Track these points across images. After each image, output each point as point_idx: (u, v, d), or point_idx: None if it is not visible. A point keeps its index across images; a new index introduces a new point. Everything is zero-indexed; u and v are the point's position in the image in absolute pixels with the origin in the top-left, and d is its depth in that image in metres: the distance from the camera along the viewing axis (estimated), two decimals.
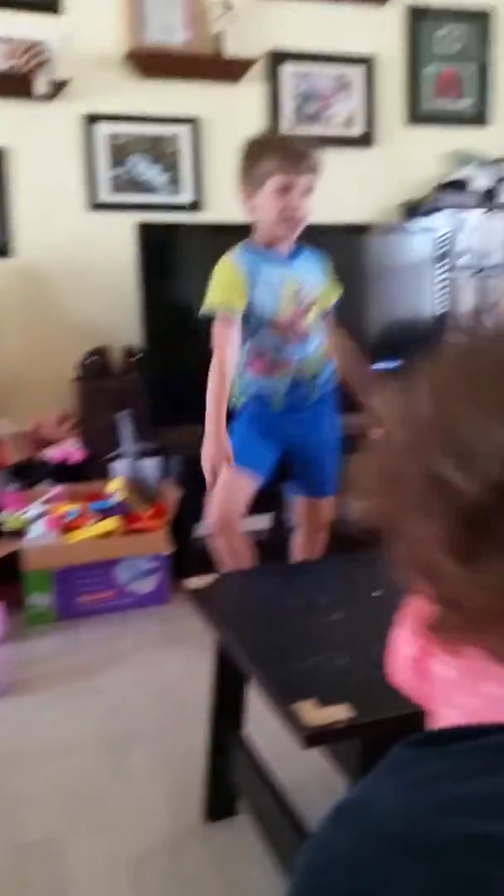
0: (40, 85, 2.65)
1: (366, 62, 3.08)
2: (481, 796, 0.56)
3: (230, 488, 1.96)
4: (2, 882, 1.29)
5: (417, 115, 3.19)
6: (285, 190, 1.83)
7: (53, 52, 2.67)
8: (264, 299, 1.89)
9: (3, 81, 2.64)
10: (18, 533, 2.41)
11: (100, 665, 2.08)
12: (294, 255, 1.97)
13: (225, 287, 1.88)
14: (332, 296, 2.07)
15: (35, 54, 2.64)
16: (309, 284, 1.97)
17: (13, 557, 2.34)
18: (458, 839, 0.52)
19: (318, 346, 2.00)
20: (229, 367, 1.86)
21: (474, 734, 0.66)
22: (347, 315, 2.89)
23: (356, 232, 2.87)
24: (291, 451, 2.05)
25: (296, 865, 0.58)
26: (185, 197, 2.93)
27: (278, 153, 1.82)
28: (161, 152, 2.90)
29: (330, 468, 2.06)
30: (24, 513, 2.44)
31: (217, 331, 1.86)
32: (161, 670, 2.05)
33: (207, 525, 2.03)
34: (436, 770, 0.61)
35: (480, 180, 3.04)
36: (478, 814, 0.55)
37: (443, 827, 0.53)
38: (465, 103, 3.24)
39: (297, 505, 2.17)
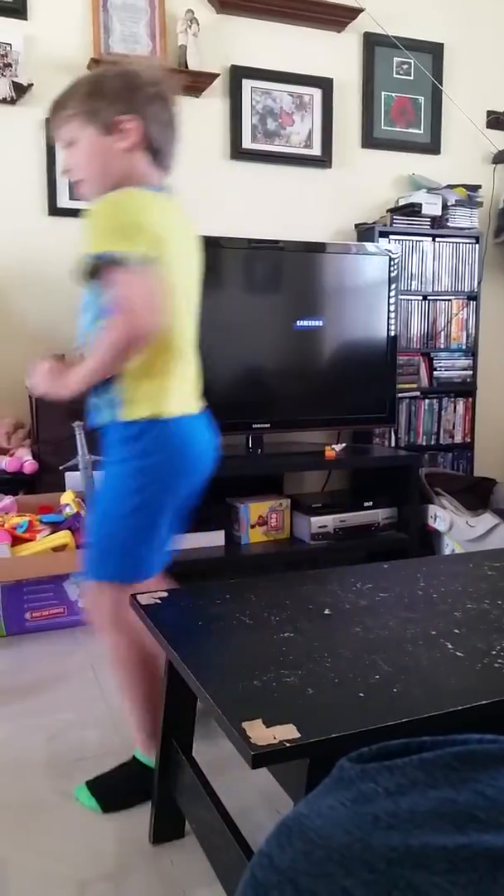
0: (3, 88, 2.62)
1: (323, 84, 3.13)
2: (420, 810, 0.56)
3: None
4: None
5: (372, 140, 3.25)
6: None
7: (18, 56, 2.65)
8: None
9: None
10: None
11: (48, 683, 2.03)
12: None
13: None
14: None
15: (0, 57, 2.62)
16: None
17: None
18: (398, 851, 0.51)
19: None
20: None
21: (415, 748, 0.66)
22: (304, 330, 2.93)
23: (312, 249, 2.89)
24: None
25: (242, 880, 0.56)
26: None
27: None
28: None
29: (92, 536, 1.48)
30: None
31: None
32: (111, 689, 2.01)
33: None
34: (379, 785, 0.61)
35: (431, 206, 3.11)
36: (418, 827, 0.54)
37: (385, 840, 0.53)
38: (417, 131, 3.31)
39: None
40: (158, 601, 1.36)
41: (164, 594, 1.39)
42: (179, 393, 1.43)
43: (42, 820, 1.47)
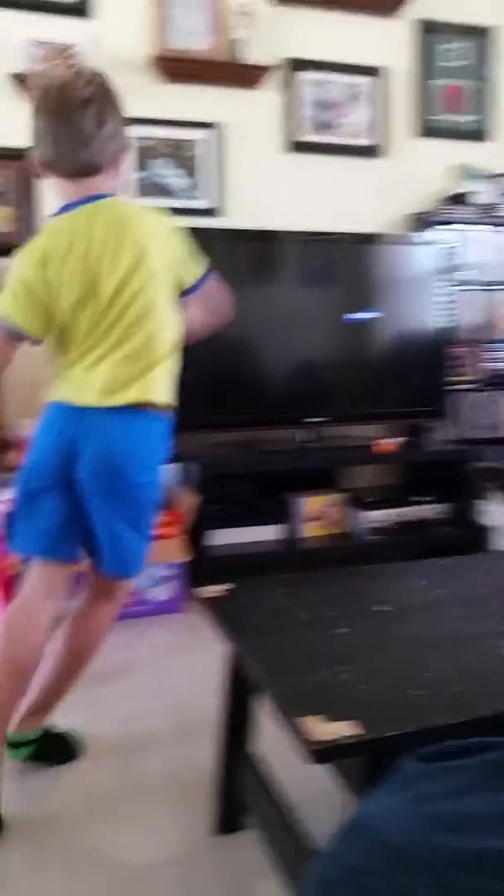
0: None
1: (376, 73, 3.10)
2: (482, 813, 0.57)
3: None
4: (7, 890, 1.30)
5: (424, 128, 3.20)
6: None
7: (83, 56, 2.71)
8: None
9: None
10: None
11: (113, 672, 2.08)
12: None
13: None
14: None
15: (66, 57, 2.68)
16: None
17: None
18: (459, 854, 0.53)
19: None
20: None
21: (475, 749, 0.67)
22: (357, 322, 2.91)
23: (364, 241, 2.87)
24: None
25: (305, 878, 0.58)
26: (205, 202, 2.95)
27: None
28: (182, 157, 2.92)
29: None
30: None
31: None
32: (174, 680, 2.05)
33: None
34: (440, 786, 0.62)
35: (483, 195, 3.05)
36: (478, 830, 0.55)
37: (445, 842, 0.54)
38: (468, 118, 3.25)
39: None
40: (221, 595, 1.39)
41: (227, 588, 1.41)
42: (71, 382, 1.52)
43: (108, 807, 1.52)
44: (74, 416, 1.51)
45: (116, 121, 1.52)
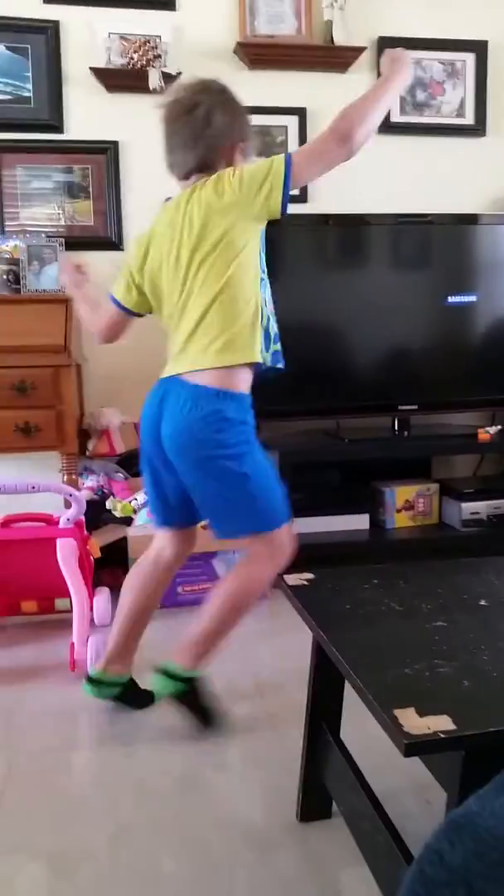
0: (154, 79, 2.71)
1: (477, 48, 2.97)
2: None
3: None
4: (92, 867, 1.33)
5: None
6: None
7: (166, 47, 2.73)
8: None
9: (120, 77, 2.73)
10: (127, 520, 2.48)
11: None
12: None
13: None
14: None
15: (149, 49, 2.71)
16: None
17: (122, 543, 2.42)
18: None
19: None
20: None
21: None
22: (456, 306, 2.81)
23: (462, 222, 2.77)
24: None
25: (409, 876, 0.55)
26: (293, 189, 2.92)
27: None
28: (269, 144, 2.90)
29: None
30: (132, 501, 2.52)
31: None
32: (256, 665, 2.06)
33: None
34: None
35: None
36: None
37: None
38: None
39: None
40: (305, 582, 1.37)
41: (311, 576, 1.40)
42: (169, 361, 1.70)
43: (191, 788, 1.53)
44: (158, 389, 1.67)
45: (228, 116, 1.63)
